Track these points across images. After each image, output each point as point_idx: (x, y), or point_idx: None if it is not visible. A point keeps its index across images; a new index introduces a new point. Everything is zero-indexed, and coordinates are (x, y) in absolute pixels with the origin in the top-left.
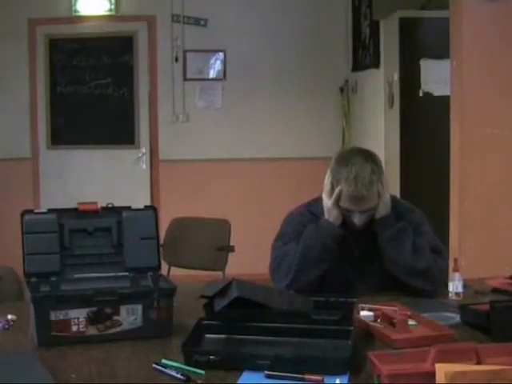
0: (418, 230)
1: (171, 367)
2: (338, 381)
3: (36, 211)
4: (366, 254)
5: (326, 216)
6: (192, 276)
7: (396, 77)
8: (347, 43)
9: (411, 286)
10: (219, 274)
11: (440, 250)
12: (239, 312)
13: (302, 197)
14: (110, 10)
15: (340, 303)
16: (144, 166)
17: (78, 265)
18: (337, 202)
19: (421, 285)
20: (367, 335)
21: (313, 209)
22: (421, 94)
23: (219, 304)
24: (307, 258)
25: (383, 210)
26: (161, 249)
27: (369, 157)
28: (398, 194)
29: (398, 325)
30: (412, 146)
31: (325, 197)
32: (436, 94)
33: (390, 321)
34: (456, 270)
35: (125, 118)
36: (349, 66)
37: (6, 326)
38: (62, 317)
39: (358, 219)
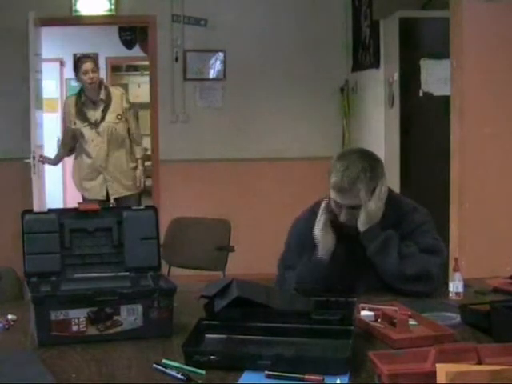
0: (418, 229)
1: (171, 367)
2: (338, 381)
3: (36, 211)
4: (367, 254)
5: (320, 214)
6: (192, 276)
7: (396, 77)
8: (347, 43)
9: (406, 291)
10: (219, 273)
11: (439, 251)
12: (239, 312)
13: (302, 196)
14: (110, 10)
15: (340, 303)
16: None
17: (78, 265)
18: (328, 207)
19: (415, 289)
20: (367, 335)
21: (318, 209)
22: (421, 94)
23: (219, 304)
24: (302, 287)
25: (367, 220)
26: (161, 249)
27: (367, 158)
28: None
29: (399, 325)
30: (412, 146)
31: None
32: (436, 93)
33: (390, 321)
34: (456, 269)
35: None
36: (349, 65)
37: (6, 326)
38: (62, 317)
39: (342, 215)
